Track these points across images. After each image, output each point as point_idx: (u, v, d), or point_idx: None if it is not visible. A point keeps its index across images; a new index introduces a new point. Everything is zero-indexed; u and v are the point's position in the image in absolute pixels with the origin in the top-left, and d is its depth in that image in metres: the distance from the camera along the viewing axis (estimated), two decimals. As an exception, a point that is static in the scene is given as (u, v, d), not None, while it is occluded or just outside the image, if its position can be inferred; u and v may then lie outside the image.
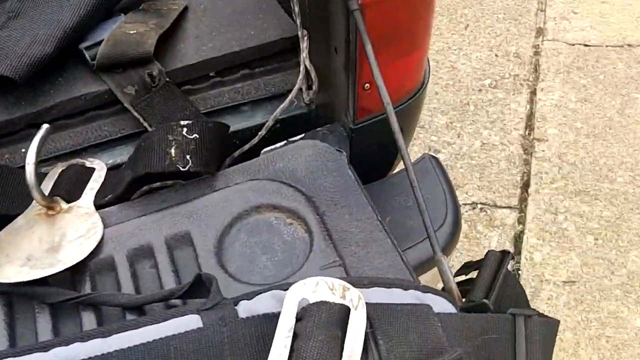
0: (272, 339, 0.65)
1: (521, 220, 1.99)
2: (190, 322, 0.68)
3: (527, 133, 2.22)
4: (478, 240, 1.95)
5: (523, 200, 2.04)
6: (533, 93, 2.34)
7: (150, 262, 0.82)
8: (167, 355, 0.65)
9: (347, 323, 0.65)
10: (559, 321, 0.79)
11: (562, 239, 1.94)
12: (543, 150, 2.16)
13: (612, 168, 2.10)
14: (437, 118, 2.27)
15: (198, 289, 0.74)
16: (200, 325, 0.68)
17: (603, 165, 2.11)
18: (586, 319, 1.78)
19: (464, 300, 0.77)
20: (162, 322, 0.68)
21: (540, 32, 2.56)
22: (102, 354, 0.66)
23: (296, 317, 0.65)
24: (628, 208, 2.00)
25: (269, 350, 0.65)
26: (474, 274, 0.86)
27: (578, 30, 2.54)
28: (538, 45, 2.51)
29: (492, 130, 2.23)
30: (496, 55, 2.49)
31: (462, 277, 0.83)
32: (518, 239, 1.96)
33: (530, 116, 2.26)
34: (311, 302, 0.66)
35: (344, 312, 0.65)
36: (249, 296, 0.71)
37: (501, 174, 2.11)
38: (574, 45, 2.49)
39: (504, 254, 0.78)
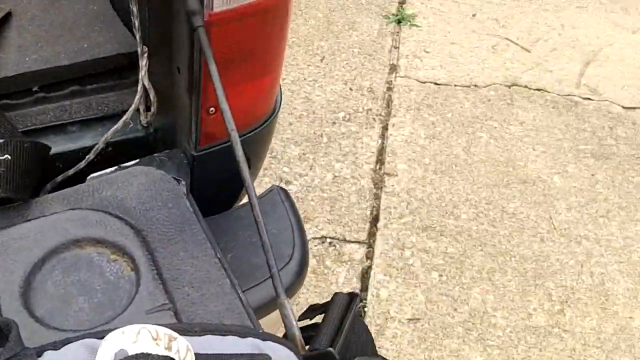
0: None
1: (369, 255, 1.98)
2: (-23, 380, 0.56)
3: (377, 167, 2.22)
4: (325, 275, 1.90)
5: (372, 234, 2.03)
6: (385, 128, 2.36)
7: (-64, 305, 0.68)
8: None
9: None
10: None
11: (408, 274, 1.94)
12: (393, 185, 2.17)
13: (457, 205, 2.15)
14: (290, 149, 2.22)
15: (-6, 337, 0.62)
16: (-9, 380, 0.56)
17: (449, 202, 2.15)
18: (429, 357, 1.78)
19: (307, 348, 0.70)
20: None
21: (393, 68, 2.60)
22: None
23: (112, 375, 0.55)
24: (471, 245, 2.05)
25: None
26: (319, 318, 0.80)
27: (429, 69, 2.61)
28: (391, 81, 2.55)
29: (344, 163, 2.21)
30: (350, 89, 2.49)
31: (307, 321, 0.76)
32: (365, 275, 1.94)
33: (382, 150, 2.27)
34: (130, 354, 0.56)
35: (171, 370, 0.56)
36: (56, 346, 0.60)
37: (351, 207, 2.09)
38: (425, 82, 2.55)
39: (352, 296, 0.73)
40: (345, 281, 1.89)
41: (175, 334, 0.58)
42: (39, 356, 0.59)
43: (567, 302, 1.96)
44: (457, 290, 1.93)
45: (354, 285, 1.89)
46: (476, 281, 1.96)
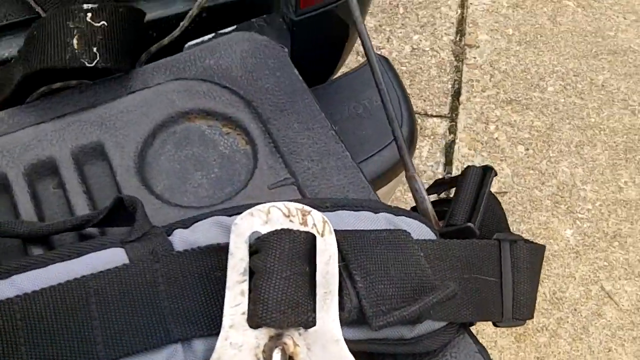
0: (220, 275, 0.52)
1: (452, 130, 1.90)
2: (112, 257, 0.53)
3: (458, 39, 2.10)
4: (409, 151, 1.85)
5: (454, 109, 1.95)
6: (464, -4, 2.22)
7: (54, 180, 0.65)
8: (86, 299, 0.50)
9: (314, 255, 0.52)
10: (544, 246, 0.69)
11: (493, 148, 1.87)
12: (474, 57, 2.05)
13: (543, 77, 2.03)
14: (366, 21, 2.11)
15: (119, 215, 0.58)
16: (126, 261, 0.53)
17: (534, 74, 2.03)
18: (517, 229, 1.74)
19: (441, 223, 0.65)
20: (76, 258, 0.53)
21: None
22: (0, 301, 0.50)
23: (250, 251, 0.51)
24: (558, 117, 1.95)
25: (217, 289, 0.52)
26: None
27: None
28: (468, -56, 2.37)
29: (423, 35, 2.10)
30: (424, -45, 2.33)
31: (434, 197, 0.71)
32: (449, 149, 1.87)
33: (462, 21, 2.14)
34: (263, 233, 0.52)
35: (310, 242, 0.52)
36: (185, 224, 0.56)
37: (432, 81, 2.00)
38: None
39: (486, 169, 0.66)
40: (429, 155, 1.84)
41: (307, 208, 0.54)
42: (169, 235, 0.56)
43: (660, 175, 1.87)
44: (545, 163, 1.86)
45: (438, 160, 1.83)
46: (564, 155, 1.88)
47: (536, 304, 1.63)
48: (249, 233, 0.52)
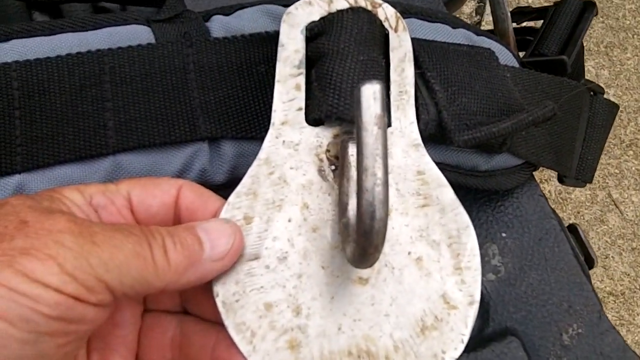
0: (264, 70, 0.42)
1: None
2: (135, 34, 0.43)
3: None
4: None
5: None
6: None
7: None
8: (99, 76, 0.41)
9: (387, 52, 0.42)
10: (618, 107, 0.61)
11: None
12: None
13: (581, -32, 1.89)
14: None
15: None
16: (152, 40, 0.43)
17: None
18: (533, 125, 1.66)
19: (525, 53, 0.56)
20: (91, 30, 0.43)
21: None
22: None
23: (310, 35, 0.42)
24: (592, 14, 1.83)
25: (259, 85, 0.42)
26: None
27: None
28: None
29: None
30: None
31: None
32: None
33: None
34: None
35: (384, 35, 0.43)
36: (226, 10, 0.47)
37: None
38: None
39: (588, 3, 0.57)
40: None
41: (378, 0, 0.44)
42: (206, 20, 0.46)
43: (688, 88, 1.78)
44: (572, 60, 1.75)
45: None
46: (592, 54, 1.78)
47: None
48: (305, 24, 0.42)
